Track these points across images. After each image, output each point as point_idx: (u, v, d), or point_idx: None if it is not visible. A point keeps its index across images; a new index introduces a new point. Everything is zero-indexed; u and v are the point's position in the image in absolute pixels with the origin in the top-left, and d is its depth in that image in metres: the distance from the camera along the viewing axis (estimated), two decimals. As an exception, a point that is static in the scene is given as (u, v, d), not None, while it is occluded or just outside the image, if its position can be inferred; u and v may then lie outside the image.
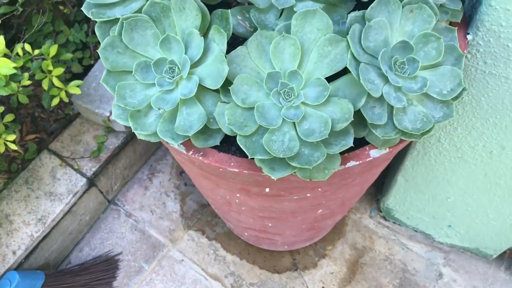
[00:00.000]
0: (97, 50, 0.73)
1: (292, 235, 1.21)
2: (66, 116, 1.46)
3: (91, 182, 1.37)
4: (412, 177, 1.22)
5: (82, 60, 1.44)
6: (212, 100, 0.73)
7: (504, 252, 1.40)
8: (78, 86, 1.20)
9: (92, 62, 1.45)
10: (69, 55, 1.22)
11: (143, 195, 1.52)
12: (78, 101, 1.36)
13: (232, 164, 0.73)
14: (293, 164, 0.67)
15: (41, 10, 1.30)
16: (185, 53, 0.72)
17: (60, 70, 1.16)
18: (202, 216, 1.48)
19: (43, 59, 1.17)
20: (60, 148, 1.38)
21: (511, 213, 1.17)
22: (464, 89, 0.70)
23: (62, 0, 1.32)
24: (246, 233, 1.28)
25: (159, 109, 0.71)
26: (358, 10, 0.75)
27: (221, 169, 0.75)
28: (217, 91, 0.72)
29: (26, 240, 1.26)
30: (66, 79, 1.40)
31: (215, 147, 0.75)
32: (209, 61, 0.71)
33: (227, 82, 0.69)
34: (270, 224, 1.07)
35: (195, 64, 0.72)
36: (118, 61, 0.73)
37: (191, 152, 0.74)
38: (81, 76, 1.43)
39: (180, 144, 0.74)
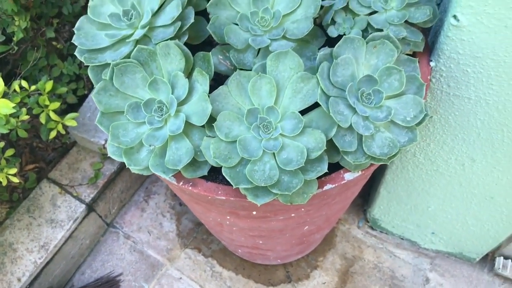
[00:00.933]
0: (92, 94, 0.80)
1: (283, 250, 1.27)
2: (63, 145, 1.52)
3: (90, 208, 1.43)
4: (394, 189, 1.30)
5: (76, 90, 1.51)
6: (198, 135, 0.80)
7: (487, 255, 1.47)
8: (73, 118, 1.26)
9: (86, 92, 1.52)
10: (64, 89, 1.29)
11: (140, 216, 1.59)
12: (74, 131, 1.42)
13: (219, 192, 0.80)
14: (274, 191, 0.74)
15: (35, 47, 1.37)
16: (172, 93, 0.79)
17: (56, 104, 1.23)
18: (197, 235, 1.55)
19: (40, 94, 1.24)
20: (59, 176, 1.44)
21: (488, 220, 1.24)
22: (426, 115, 0.77)
23: (55, 36, 1.39)
24: (239, 250, 1.35)
25: (150, 145, 0.77)
26: (328, 46, 0.82)
27: (209, 197, 0.81)
28: (202, 126, 0.79)
29: (30, 267, 1.32)
30: (61, 110, 1.47)
31: (203, 177, 0.82)
32: (194, 100, 0.78)
33: (211, 118, 0.76)
34: (261, 242, 1.14)
35: (181, 103, 0.79)
36: (110, 103, 0.80)
37: (181, 183, 0.81)
38: (76, 106, 1.50)
39: (171, 176, 0.80)
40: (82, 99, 1.51)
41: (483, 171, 1.09)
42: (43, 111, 1.23)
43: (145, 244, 1.54)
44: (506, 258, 1.42)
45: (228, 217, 0.97)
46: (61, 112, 1.43)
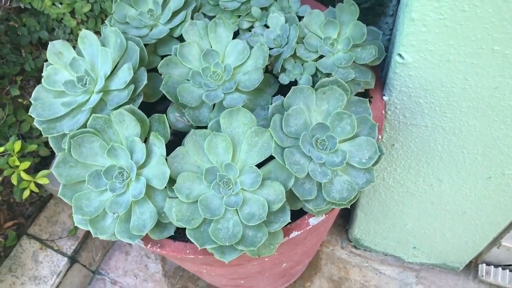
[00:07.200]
0: (51, 168, 0.81)
1: (267, 285, 1.28)
2: (40, 198, 1.52)
3: (73, 259, 1.43)
4: (370, 211, 1.31)
5: (48, 143, 1.51)
6: (161, 196, 0.81)
7: (470, 262, 1.49)
8: (45, 176, 1.26)
9: (57, 143, 1.52)
10: (33, 146, 1.29)
11: (125, 260, 1.58)
12: (49, 185, 1.42)
13: (187, 251, 0.81)
14: (239, 248, 0.75)
15: (1, 106, 1.37)
16: (131, 158, 0.79)
17: (26, 164, 1.23)
18: (184, 273, 1.55)
19: (10, 154, 1.24)
20: (39, 231, 1.44)
21: (464, 232, 1.26)
22: (381, 155, 0.78)
23: (20, 93, 1.39)
24: (224, 288, 1.36)
25: (114, 213, 0.78)
26: (282, 91, 0.84)
27: (179, 256, 0.82)
28: (164, 187, 0.80)
29: (17, 327, 1.32)
30: (35, 164, 1.47)
31: (171, 236, 0.82)
32: (153, 163, 0.79)
33: (172, 179, 0.77)
34: (242, 282, 1.15)
35: (141, 167, 0.80)
36: (71, 175, 0.80)
37: (149, 246, 0.82)
38: (49, 158, 1.50)
39: (139, 240, 0.81)
40: (55, 150, 1.51)
41: (452, 189, 1.11)
42: (14, 172, 1.23)
43: (133, 288, 1.54)
44: (488, 264, 1.44)
45: (204, 266, 0.97)
46: (35, 166, 1.44)
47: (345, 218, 1.59)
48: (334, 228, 1.59)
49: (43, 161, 1.52)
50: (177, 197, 0.77)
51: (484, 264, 1.43)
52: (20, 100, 1.42)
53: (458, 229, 1.26)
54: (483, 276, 1.43)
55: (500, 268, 1.43)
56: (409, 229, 1.33)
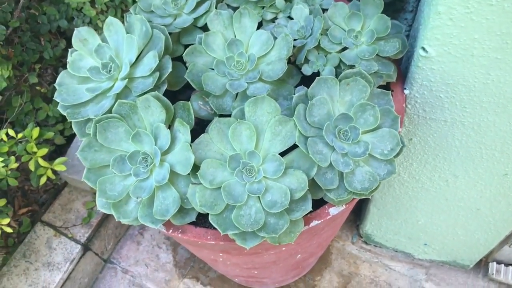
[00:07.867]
0: (77, 152, 0.82)
1: (279, 276, 1.29)
2: (55, 186, 1.53)
3: (86, 247, 1.44)
4: (383, 206, 1.32)
5: (63, 131, 1.52)
6: (184, 182, 0.82)
7: (480, 261, 1.50)
8: (62, 163, 1.27)
9: (73, 132, 1.53)
10: (51, 133, 1.30)
11: (137, 250, 1.60)
12: (64, 173, 1.44)
13: (208, 237, 0.82)
14: (261, 234, 0.76)
15: (19, 94, 1.39)
16: (155, 144, 0.80)
17: (44, 151, 1.24)
18: (194, 264, 1.56)
19: (27, 141, 1.25)
20: (53, 218, 1.46)
21: (477, 229, 1.27)
22: (403, 147, 0.79)
23: (38, 81, 1.40)
24: (236, 279, 1.37)
25: (137, 198, 0.79)
26: (305, 82, 0.85)
27: (200, 242, 0.83)
28: (188, 173, 0.81)
29: (30, 312, 1.33)
30: (50, 152, 1.49)
31: (191, 222, 0.83)
32: (177, 149, 0.80)
33: (195, 165, 0.78)
34: (256, 272, 1.16)
35: (165, 153, 0.81)
36: (96, 159, 0.82)
37: (170, 231, 0.83)
38: (64, 146, 1.52)
39: (160, 225, 0.82)
40: (70, 139, 1.53)
41: (467, 186, 1.11)
42: (31, 158, 1.25)
43: (143, 277, 1.55)
44: (498, 263, 1.44)
45: (220, 254, 0.98)
46: (50, 154, 1.45)
47: (356, 213, 1.59)
48: (345, 223, 1.59)
49: (58, 150, 1.54)
50: (201, 183, 0.78)
51: (495, 263, 1.44)
52: (38, 88, 1.44)
53: (471, 226, 1.27)
54: (493, 274, 1.43)
55: (510, 267, 1.43)
56: (421, 225, 1.34)
